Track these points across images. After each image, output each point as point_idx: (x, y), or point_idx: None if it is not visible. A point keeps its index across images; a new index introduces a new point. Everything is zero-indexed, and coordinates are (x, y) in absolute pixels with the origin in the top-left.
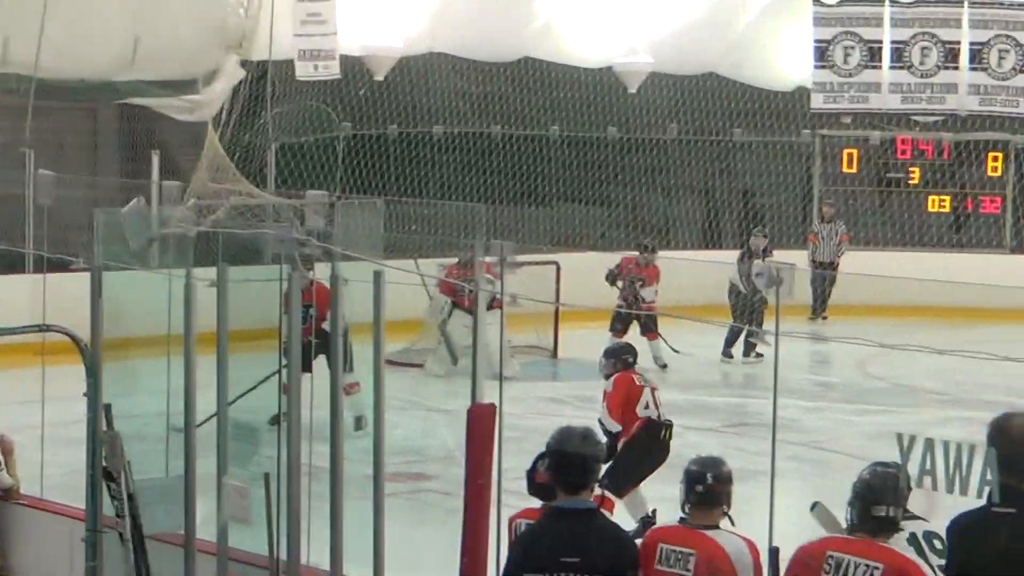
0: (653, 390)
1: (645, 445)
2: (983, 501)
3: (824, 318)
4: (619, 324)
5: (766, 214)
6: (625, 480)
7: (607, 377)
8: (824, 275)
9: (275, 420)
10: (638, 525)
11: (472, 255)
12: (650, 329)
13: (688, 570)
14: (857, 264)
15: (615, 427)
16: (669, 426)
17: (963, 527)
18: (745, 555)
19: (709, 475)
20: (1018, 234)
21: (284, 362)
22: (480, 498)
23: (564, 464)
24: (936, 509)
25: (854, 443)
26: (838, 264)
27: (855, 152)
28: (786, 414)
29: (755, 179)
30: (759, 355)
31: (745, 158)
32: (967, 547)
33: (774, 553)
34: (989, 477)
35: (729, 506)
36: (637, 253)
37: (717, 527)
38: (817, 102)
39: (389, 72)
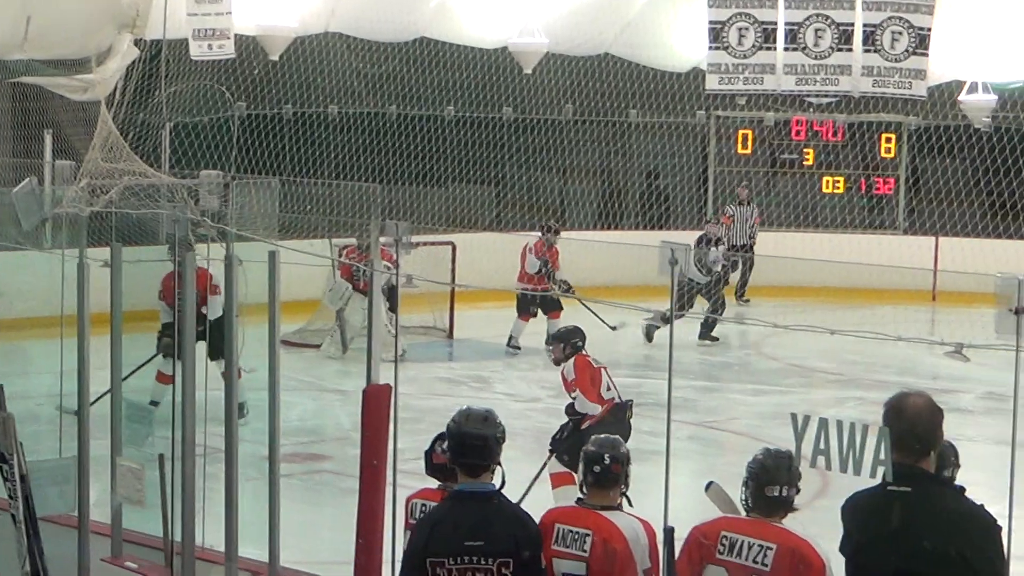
0: (605, 370)
1: (613, 427)
2: (876, 480)
3: (746, 301)
4: (534, 308)
5: (665, 195)
6: None
7: (557, 363)
8: (745, 258)
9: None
10: None
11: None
12: (554, 308)
13: (584, 550)
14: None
15: (596, 409)
16: (631, 405)
17: (859, 506)
18: (641, 535)
19: (607, 456)
20: (911, 215)
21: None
22: (375, 478)
23: (465, 446)
24: (828, 489)
25: (749, 423)
26: (753, 246)
27: (750, 133)
28: (681, 394)
29: (651, 160)
30: (714, 339)
31: (641, 139)
32: (862, 526)
33: (669, 533)
34: (883, 456)
35: (627, 487)
36: (540, 234)
37: (614, 508)
38: (712, 83)
39: (284, 52)
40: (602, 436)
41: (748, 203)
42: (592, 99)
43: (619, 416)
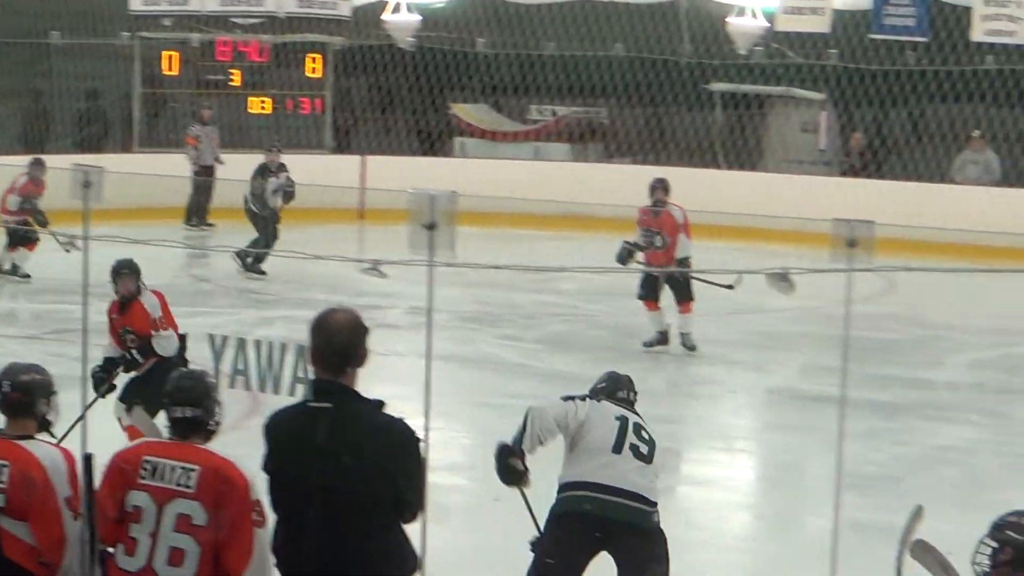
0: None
1: (175, 360)
2: (297, 398)
3: (210, 225)
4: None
5: (99, 116)
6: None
7: (126, 297)
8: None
9: None
10: None
11: None
12: (32, 241)
13: (1, 482)
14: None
15: (176, 348)
16: (186, 337)
17: (280, 423)
18: (59, 463)
19: (7, 383)
20: (338, 134)
21: None
22: None
23: None
24: (259, 408)
25: None
26: (215, 168)
27: (175, 54)
28: (103, 319)
29: (80, 82)
30: (263, 272)
31: (67, 61)
32: (284, 443)
33: (87, 460)
34: (302, 374)
35: (47, 415)
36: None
37: (31, 437)
38: (136, 4)
39: None
40: (10, 364)
41: (210, 123)
42: (10, 20)
43: (183, 350)
